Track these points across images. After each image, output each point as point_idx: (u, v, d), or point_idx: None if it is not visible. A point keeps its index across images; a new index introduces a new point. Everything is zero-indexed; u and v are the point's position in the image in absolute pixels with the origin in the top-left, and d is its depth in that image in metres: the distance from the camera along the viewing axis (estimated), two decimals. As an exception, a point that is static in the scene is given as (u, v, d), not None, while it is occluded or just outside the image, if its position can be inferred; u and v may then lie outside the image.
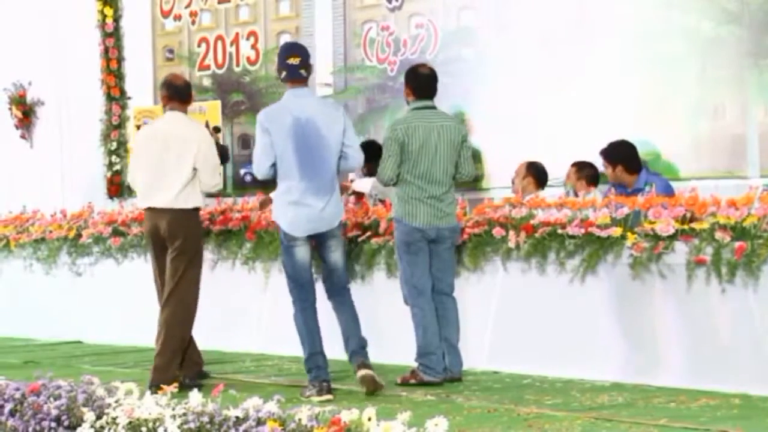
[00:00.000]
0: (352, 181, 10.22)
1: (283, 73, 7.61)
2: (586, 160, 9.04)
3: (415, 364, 7.70)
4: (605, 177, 8.94)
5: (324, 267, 7.69)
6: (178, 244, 7.80)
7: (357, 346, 7.53)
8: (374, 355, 7.80)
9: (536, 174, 9.18)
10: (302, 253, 7.53)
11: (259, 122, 7.57)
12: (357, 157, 7.69)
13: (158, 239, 7.86)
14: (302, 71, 7.58)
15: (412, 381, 7.62)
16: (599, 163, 8.92)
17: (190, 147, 7.82)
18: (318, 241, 7.59)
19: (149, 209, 7.86)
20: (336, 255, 7.64)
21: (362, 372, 7.33)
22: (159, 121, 8.16)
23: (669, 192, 8.20)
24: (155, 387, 6.65)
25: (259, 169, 7.57)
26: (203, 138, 8.00)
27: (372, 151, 10.22)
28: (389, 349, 8.33)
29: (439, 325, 7.77)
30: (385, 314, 8.47)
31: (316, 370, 7.38)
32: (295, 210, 7.48)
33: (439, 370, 7.68)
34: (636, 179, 8.55)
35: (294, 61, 7.58)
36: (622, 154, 8.61)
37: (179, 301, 7.82)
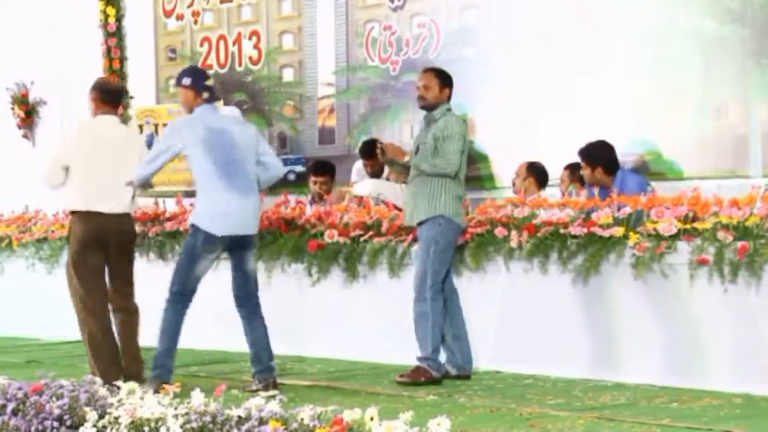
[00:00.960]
0: (353, 183, 10.23)
1: (205, 94, 7.65)
2: (578, 162, 9.04)
3: (414, 362, 7.69)
4: None
5: (238, 277, 7.67)
6: (128, 248, 7.95)
7: (268, 361, 7.60)
8: (375, 355, 7.81)
9: (537, 174, 9.18)
10: (207, 265, 7.58)
11: (175, 127, 7.64)
12: (277, 165, 7.81)
13: (102, 242, 7.83)
14: (217, 92, 7.79)
15: (422, 379, 7.55)
16: None
17: (134, 152, 7.90)
18: (235, 250, 7.58)
19: (97, 213, 7.80)
20: (251, 264, 7.70)
21: (272, 392, 7.27)
22: (98, 125, 8.07)
23: (642, 189, 8.16)
24: (141, 379, 6.86)
25: (144, 171, 7.61)
26: (142, 142, 8.21)
27: (374, 149, 10.24)
28: (390, 349, 8.34)
29: (449, 323, 7.78)
30: (386, 314, 8.47)
31: (162, 368, 7.46)
32: (216, 208, 7.49)
33: (441, 367, 7.70)
34: (613, 179, 8.52)
35: (211, 83, 7.74)
36: (602, 156, 8.54)
37: (133, 303, 7.98)
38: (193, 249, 7.54)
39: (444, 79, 7.91)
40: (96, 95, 8.01)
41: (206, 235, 7.49)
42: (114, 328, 7.93)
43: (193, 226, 7.59)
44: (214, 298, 9.46)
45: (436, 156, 7.73)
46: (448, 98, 7.88)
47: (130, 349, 7.88)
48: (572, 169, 9.04)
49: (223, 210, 7.49)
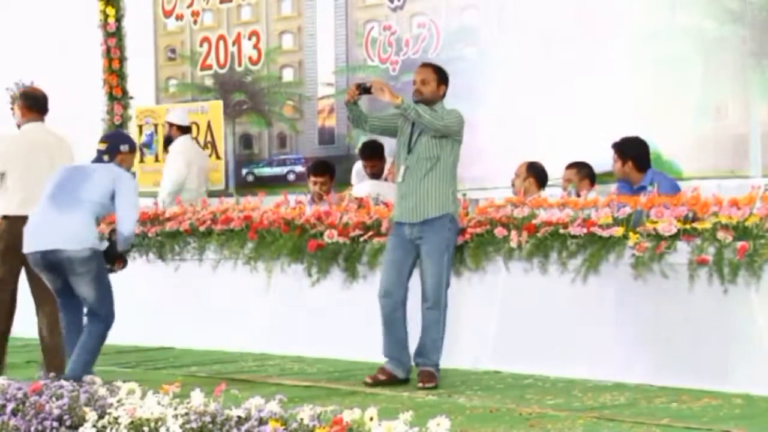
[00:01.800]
0: (351, 185, 10.24)
1: (96, 156, 7.63)
2: (581, 161, 9.05)
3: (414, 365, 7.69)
4: (600, 177, 8.95)
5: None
6: None
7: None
8: (375, 355, 7.79)
9: (537, 174, 9.18)
10: (51, 285, 7.38)
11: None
12: (126, 223, 7.30)
13: None
14: (105, 156, 7.56)
15: (435, 384, 7.45)
16: (593, 163, 8.93)
17: (65, 158, 8.00)
18: (61, 272, 7.24)
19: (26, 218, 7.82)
20: (81, 289, 7.28)
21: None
22: (29, 132, 8.20)
23: (676, 191, 8.17)
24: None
25: None
26: (71, 149, 8.30)
27: (374, 150, 10.25)
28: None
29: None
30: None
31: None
32: (29, 225, 7.33)
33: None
34: (642, 177, 8.53)
35: (100, 147, 7.61)
36: (635, 150, 8.57)
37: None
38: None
39: (442, 76, 7.82)
40: (21, 103, 8.25)
41: (27, 255, 7.35)
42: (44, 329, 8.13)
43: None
44: (212, 300, 9.48)
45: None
46: (443, 96, 7.82)
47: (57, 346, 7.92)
48: (578, 167, 9.04)
49: (32, 226, 7.31)
